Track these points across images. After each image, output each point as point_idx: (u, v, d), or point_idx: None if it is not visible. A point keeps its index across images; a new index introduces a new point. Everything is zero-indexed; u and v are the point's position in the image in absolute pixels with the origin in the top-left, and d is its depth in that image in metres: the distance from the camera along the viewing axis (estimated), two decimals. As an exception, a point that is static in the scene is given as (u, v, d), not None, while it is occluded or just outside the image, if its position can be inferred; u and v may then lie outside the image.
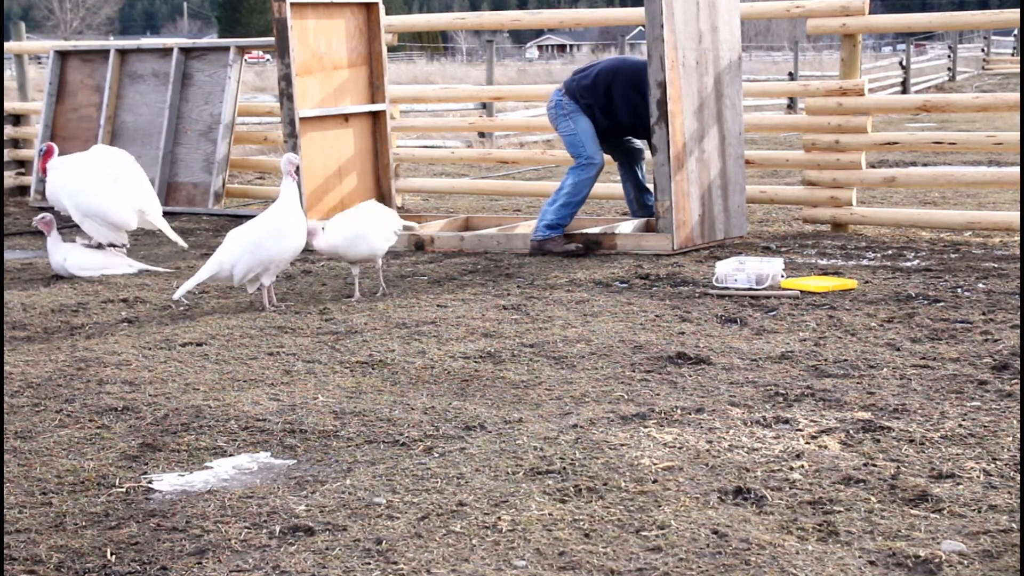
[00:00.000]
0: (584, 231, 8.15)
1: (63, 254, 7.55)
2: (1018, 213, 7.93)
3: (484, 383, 4.87)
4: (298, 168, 6.67)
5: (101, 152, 8.22)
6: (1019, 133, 7.88)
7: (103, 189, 7.80)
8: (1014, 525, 3.28)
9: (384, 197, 9.29)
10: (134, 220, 7.90)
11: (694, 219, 7.83)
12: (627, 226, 8.35)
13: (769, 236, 8.55)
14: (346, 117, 8.97)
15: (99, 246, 7.85)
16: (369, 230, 6.60)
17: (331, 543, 3.25)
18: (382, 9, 9.22)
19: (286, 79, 8.44)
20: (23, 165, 12.15)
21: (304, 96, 8.57)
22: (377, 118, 9.25)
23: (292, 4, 8.40)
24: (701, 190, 7.87)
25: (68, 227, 8.53)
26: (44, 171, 8.05)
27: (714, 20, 7.96)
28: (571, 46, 79.29)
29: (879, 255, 7.69)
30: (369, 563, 3.12)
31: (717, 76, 7.99)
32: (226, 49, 10.81)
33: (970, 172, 8.72)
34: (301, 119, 8.50)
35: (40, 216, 7.63)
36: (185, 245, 8.34)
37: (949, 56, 36.30)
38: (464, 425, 4.29)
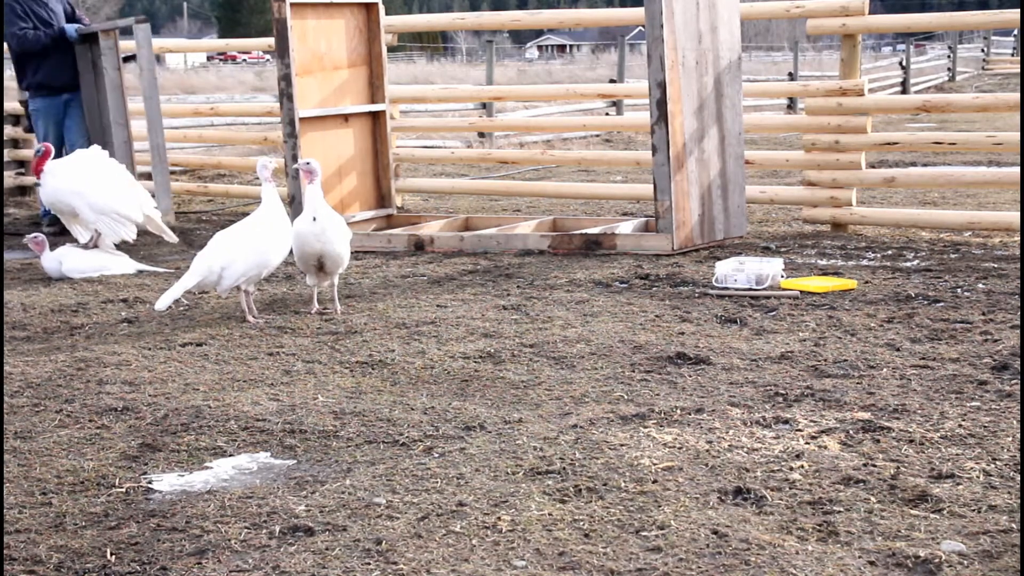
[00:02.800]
0: (584, 231, 8.17)
1: (58, 259, 7.55)
2: (1018, 213, 7.93)
3: (484, 383, 4.88)
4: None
5: (88, 154, 8.24)
6: (1019, 133, 7.88)
7: (111, 185, 7.92)
8: (1014, 525, 3.28)
9: (384, 197, 9.31)
10: (140, 213, 8.02)
11: (694, 219, 7.85)
12: (626, 226, 8.38)
13: (769, 236, 8.55)
14: (346, 117, 8.98)
15: (95, 246, 7.86)
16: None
17: (331, 543, 3.25)
18: (382, 9, 9.22)
19: (286, 79, 8.43)
20: (23, 165, 12.14)
21: (304, 96, 8.57)
22: (377, 118, 9.25)
23: (292, 4, 8.39)
24: (701, 190, 7.89)
25: (56, 234, 8.68)
26: (39, 173, 8.04)
27: (714, 20, 7.97)
28: (571, 46, 79.32)
29: (879, 255, 7.69)
30: (369, 563, 3.12)
31: (717, 76, 8.01)
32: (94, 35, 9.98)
33: (970, 172, 8.72)
34: (301, 119, 8.50)
35: (32, 236, 7.65)
36: (176, 239, 8.50)
37: (949, 56, 36.30)
38: (464, 425, 4.29)
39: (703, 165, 7.91)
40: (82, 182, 7.90)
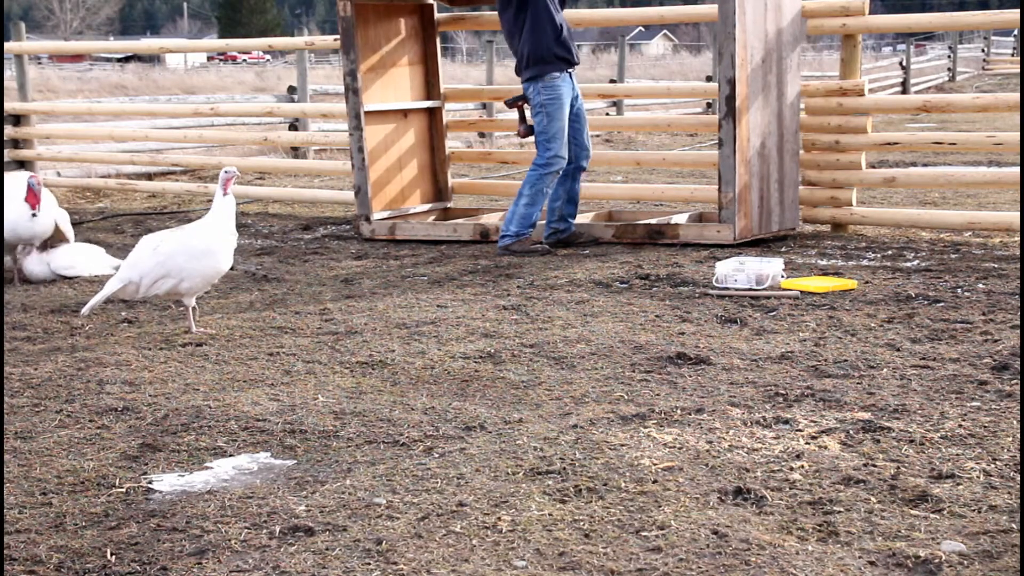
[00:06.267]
0: (647, 221, 8.42)
1: (44, 259, 7.52)
2: (1018, 213, 7.93)
3: (484, 383, 4.88)
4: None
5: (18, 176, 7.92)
6: (1019, 133, 7.88)
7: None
8: (1014, 525, 3.28)
9: (441, 191, 9.56)
10: None
11: (754, 211, 8.08)
12: (681, 218, 8.62)
13: (769, 236, 8.54)
14: (405, 113, 9.25)
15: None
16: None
17: (331, 543, 3.25)
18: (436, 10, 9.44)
19: (351, 74, 8.74)
20: (23, 165, 12.15)
21: (365, 91, 8.84)
22: (433, 115, 9.46)
23: (355, 4, 8.69)
24: (761, 183, 8.11)
25: None
26: (36, 205, 7.48)
27: (779, 21, 8.18)
28: (571, 46, 79.19)
29: (879, 255, 7.69)
30: (369, 563, 3.12)
31: (779, 76, 8.21)
32: None
33: (970, 172, 8.71)
34: (365, 113, 8.78)
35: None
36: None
37: (949, 56, 36.31)
38: (464, 425, 4.29)
39: (764, 160, 8.11)
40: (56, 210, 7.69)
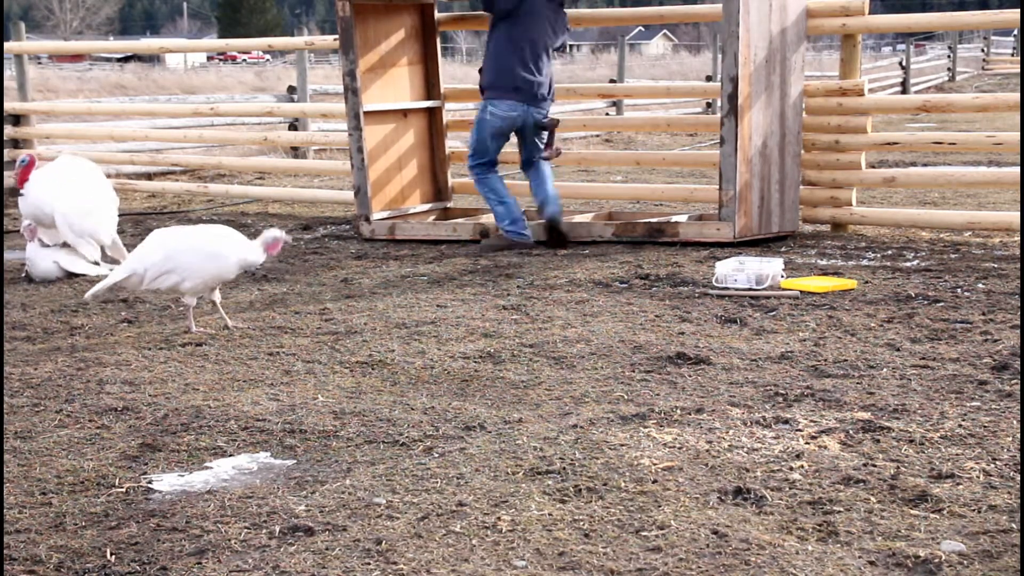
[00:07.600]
0: (647, 220, 8.43)
1: (52, 257, 7.50)
2: (1018, 213, 7.93)
3: (484, 383, 4.88)
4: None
5: (74, 163, 7.90)
6: (1019, 133, 7.88)
7: (92, 206, 7.58)
8: (1014, 525, 3.28)
9: (441, 191, 9.56)
10: (110, 237, 7.70)
11: (754, 210, 8.08)
12: (681, 217, 8.62)
13: (769, 236, 8.55)
14: (404, 113, 9.25)
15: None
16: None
17: (331, 543, 3.25)
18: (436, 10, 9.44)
19: (351, 75, 8.73)
20: (23, 165, 12.14)
21: (364, 91, 8.84)
22: (433, 114, 9.46)
23: (354, 4, 8.67)
24: (761, 183, 8.11)
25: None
26: (22, 184, 7.61)
27: (783, 22, 8.18)
28: (571, 46, 79.32)
29: (879, 255, 7.69)
30: (369, 563, 3.12)
31: (782, 76, 8.21)
32: None
33: (970, 172, 8.72)
34: (364, 113, 8.77)
35: (26, 223, 7.60)
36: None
37: (949, 56, 36.32)
38: (464, 425, 4.29)
39: (765, 160, 8.11)
40: (65, 201, 7.48)
